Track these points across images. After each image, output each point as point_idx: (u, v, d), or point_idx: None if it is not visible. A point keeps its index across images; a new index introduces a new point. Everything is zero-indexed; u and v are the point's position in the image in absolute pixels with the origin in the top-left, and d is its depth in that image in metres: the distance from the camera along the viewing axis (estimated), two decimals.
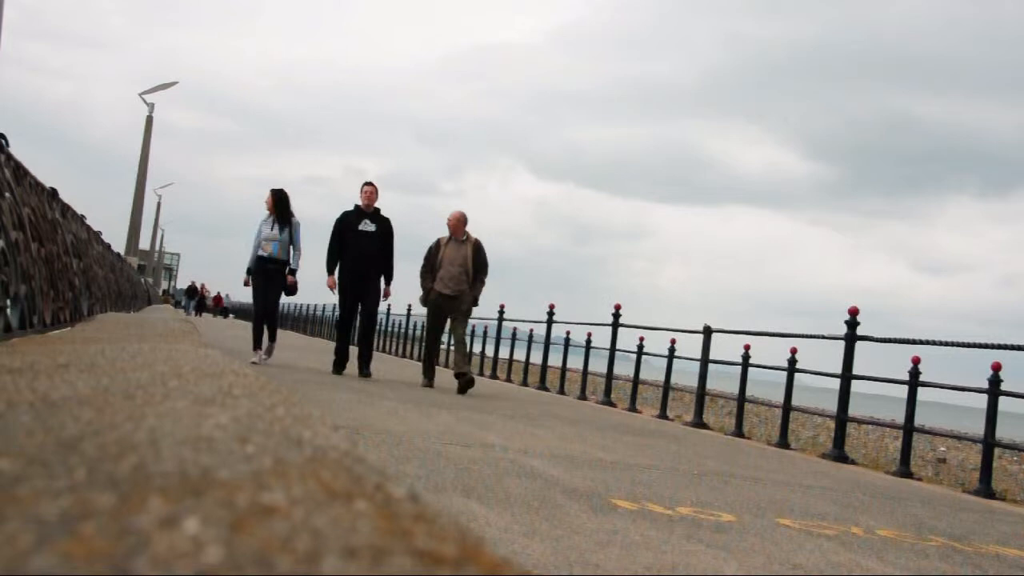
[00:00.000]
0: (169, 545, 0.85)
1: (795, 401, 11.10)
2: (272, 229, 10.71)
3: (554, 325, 16.82)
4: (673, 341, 13.53)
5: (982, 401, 8.43)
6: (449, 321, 11.06)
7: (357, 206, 10.96)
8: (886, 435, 20.58)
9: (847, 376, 9.85)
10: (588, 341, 15.70)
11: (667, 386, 13.60)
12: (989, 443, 8.27)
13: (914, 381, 9.21)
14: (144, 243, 61.46)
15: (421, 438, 5.49)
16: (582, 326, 16.13)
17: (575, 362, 16.46)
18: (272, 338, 11.06)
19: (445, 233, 10.96)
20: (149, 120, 50.29)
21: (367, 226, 10.81)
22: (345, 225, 10.87)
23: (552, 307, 16.49)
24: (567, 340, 17.08)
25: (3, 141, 7.88)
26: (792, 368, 10.90)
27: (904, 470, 8.92)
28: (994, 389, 8.30)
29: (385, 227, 10.91)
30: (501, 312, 19.11)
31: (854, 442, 16.42)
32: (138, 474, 1.13)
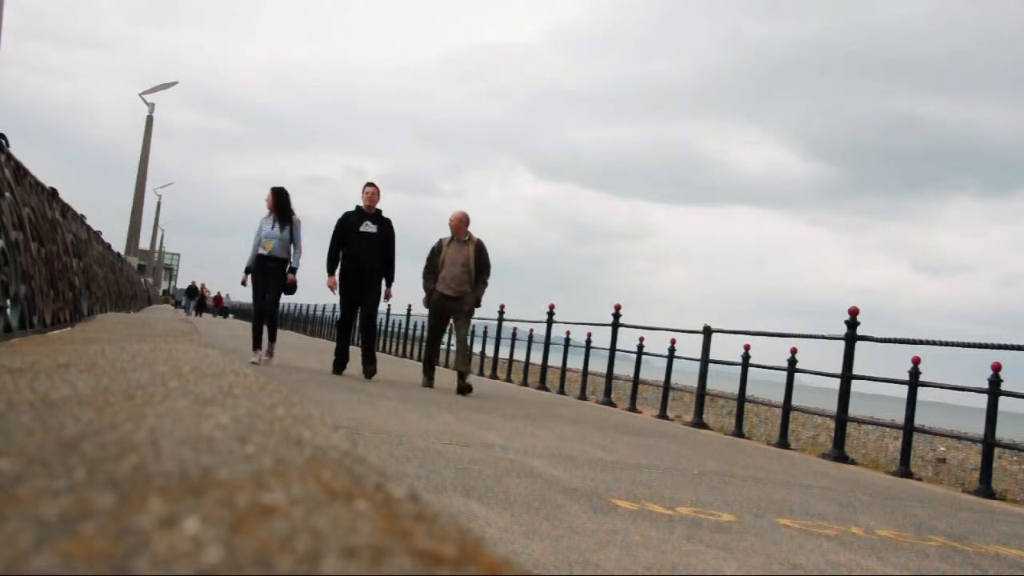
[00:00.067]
0: (169, 545, 0.85)
1: (795, 401, 11.10)
2: (272, 227, 10.70)
3: (554, 325, 16.82)
4: (673, 341, 13.54)
5: (982, 401, 8.43)
6: (452, 321, 11.03)
7: (359, 207, 10.93)
8: (886, 435, 20.57)
9: (847, 376, 9.85)
10: (588, 341, 15.70)
11: (667, 386, 13.60)
12: (989, 443, 8.28)
13: (914, 381, 9.21)
14: (144, 243, 61.50)
15: (421, 438, 5.49)
16: (582, 326, 16.15)
17: (575, 362, 16.46)
18: (272, 338, 11.03)
19: (446, 233, 10.91)
20: (149, 120, 50.35)
21: (368, 227, 10.78)
22: (346, 226, 10.84)
23: (552, 307, 16.49)
24: (567, 340, 17.08)
25: (3, 141, 7.88)
26: (792, 368, 10.90)
27: (904, 470, 8.93)
28: (994, 389, 8.30)
29: (386, 228, 10.88)
30: (501, 312, 19.11)
31: (854, 442, 16.42)
32: (138, 474, 1.13)
